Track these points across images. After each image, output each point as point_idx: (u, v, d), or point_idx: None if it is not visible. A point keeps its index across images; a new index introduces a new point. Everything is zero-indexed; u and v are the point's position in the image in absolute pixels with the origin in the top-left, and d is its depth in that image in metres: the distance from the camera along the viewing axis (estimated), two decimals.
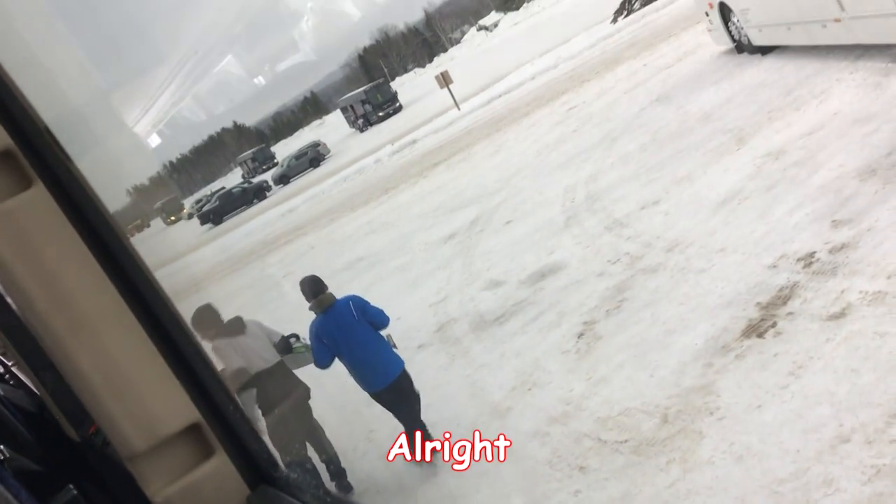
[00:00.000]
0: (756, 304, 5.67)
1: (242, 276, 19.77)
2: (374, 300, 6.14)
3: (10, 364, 4.13)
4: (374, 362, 5.81)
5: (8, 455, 1.86)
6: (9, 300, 0.70)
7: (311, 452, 6.14)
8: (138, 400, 0.72)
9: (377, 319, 5.88)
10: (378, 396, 5.90)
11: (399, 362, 5.87)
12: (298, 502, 0.96)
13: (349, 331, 5.75)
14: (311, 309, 5.89)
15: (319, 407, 6.31)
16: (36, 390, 2.07)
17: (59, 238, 0.71)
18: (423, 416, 6.00)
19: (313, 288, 5.85)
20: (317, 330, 5.75)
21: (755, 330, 5.38)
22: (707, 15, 13.72)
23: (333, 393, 7.34)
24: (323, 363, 5.77)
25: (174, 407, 0.74)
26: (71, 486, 1.77)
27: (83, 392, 0.72)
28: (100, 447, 1.76)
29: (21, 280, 0.70)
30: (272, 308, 12.69)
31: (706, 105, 11.70)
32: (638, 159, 11.07)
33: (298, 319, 6.27)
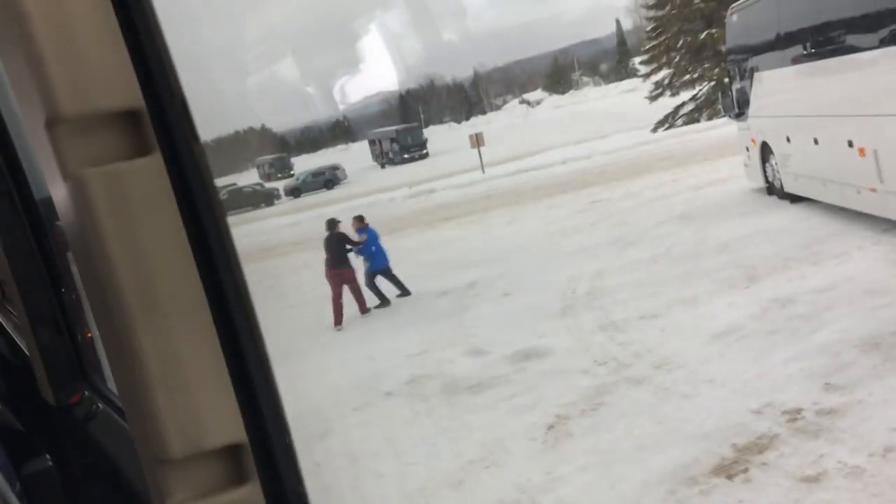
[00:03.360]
0: (732, 444, 5.59)
1: None
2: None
3: None
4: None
5: None
6: (73, 247, 0.66)
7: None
8: (189, 402, 0.67)
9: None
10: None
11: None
12: None
13: None
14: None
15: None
16: (21, 344, 2.00)
17: (160, 214, 0.68)
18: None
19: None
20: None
21: (726, 470, 5.29)
22: (747, 150, 13.93)
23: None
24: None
25: (223, 420, 0.68)
26: (48, 456, 1.69)
27: (135, 376, 0.67)
28: (81, 419, 1.68)
29: (109, 244, 0.67)
30: None
31: (725, 235, 11.77)
32: (647, 269, 11.09)
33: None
